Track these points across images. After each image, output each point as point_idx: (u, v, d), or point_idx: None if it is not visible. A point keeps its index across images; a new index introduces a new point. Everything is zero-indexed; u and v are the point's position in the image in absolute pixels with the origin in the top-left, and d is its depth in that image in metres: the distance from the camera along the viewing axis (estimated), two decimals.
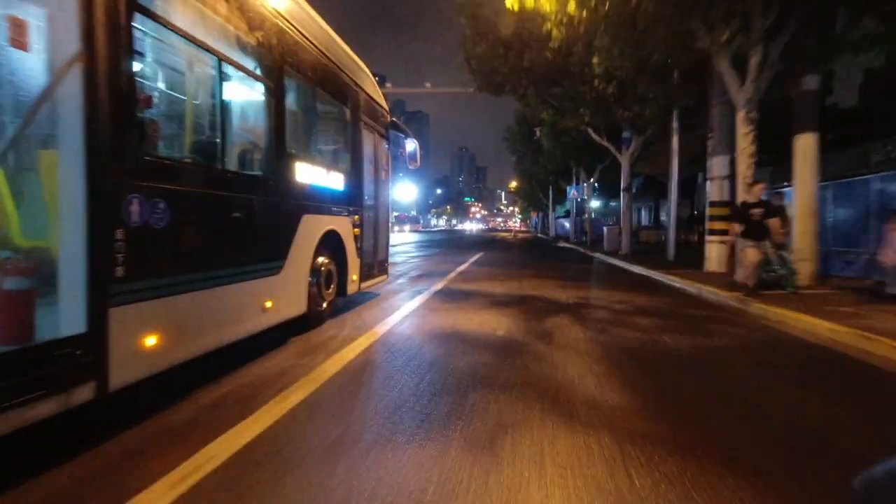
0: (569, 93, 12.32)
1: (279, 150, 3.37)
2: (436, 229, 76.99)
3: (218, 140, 2.77)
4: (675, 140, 11.59)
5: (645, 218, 40.51)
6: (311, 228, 3.85)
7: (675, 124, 11.54)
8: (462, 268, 10.42)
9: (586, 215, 27.63)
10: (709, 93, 8.76)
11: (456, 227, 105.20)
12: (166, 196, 2.21)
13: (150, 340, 2.13)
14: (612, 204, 38.80)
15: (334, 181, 4.35)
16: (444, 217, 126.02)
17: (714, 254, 8.59)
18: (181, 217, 2.34)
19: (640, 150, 13.69)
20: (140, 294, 2.07)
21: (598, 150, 17.63)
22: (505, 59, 12.78)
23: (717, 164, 8.61)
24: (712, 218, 8.65)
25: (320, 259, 4.07)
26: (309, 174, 3.80)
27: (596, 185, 25.92)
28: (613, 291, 6.98)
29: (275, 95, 3.28)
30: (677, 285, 7.60)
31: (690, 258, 11.89)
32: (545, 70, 12.18)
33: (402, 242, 23.56)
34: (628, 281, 8.62)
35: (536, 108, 13.87)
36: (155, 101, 2.57)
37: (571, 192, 25.59)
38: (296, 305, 3.66)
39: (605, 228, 15.93)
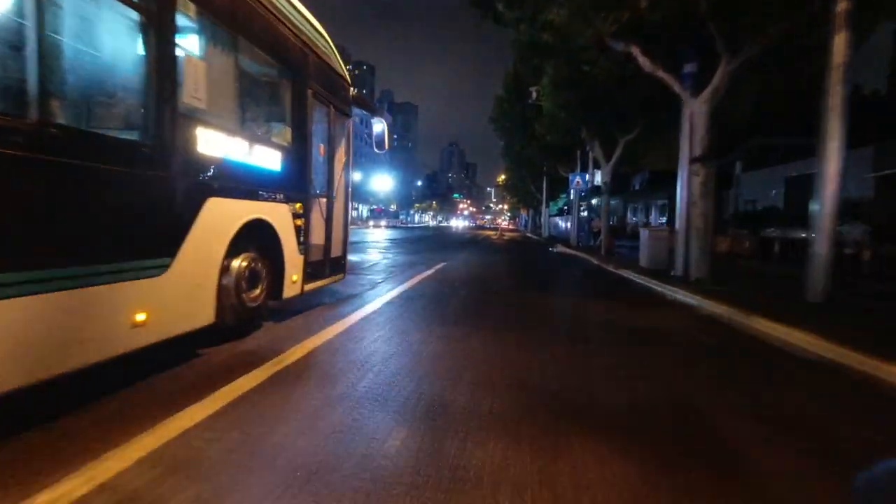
0: None
1: (165, 107, 2.45)
2: (417, 225, 70.37)
3: (36, 81, 1.80)
4: (838, 40, 5.32)
5: (654, 220, 34.64)
6: (223, 216, 2.97)
7: (842, 4, 5.27)
8: (366, 311, 4.06)
9: (584, 213, 21.31)
10: None
11: (441, 224, 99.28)
12: None
13: None
14: (611, 202, 32.47)
15: (265, 159, 3.46)
16: (431, 213, 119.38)
17: None
18: None
19: (720, 98, 7.30)
20: None
21: (626, 108, 11.32)
22: None
23: None
24: None
25: (240, 255, 3.22)
26: (219, 145, 2.90)
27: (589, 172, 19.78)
28: None
29: (160, 33, 2.40)
30: None
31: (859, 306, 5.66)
32: None
33: (356, 242, 17.01)
34: None
35: (539, 5, 7.51)
36: None
37: (575, 179, 19.26)
38: (195, 315, 2.77)
39: (644, 232, 9.64)
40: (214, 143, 2.85)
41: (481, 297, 5.99)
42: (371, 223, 56.77)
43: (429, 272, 8.38)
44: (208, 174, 2.81)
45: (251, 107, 3.65)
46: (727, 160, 19.40)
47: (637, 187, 39.15)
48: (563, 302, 5.91)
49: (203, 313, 2.84)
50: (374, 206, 69.20)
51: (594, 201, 20.93)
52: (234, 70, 3.21)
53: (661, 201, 32.78)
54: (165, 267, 2.47)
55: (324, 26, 4.51)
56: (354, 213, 63.23)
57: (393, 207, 77.27)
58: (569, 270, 10.40)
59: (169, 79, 2.47)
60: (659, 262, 9.25)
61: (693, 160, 7.23)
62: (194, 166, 2.70)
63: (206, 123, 2.78)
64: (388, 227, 50.77)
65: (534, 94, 16.00)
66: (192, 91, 2.68)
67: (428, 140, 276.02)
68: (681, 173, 8.37)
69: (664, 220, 32.31)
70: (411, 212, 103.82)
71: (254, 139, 3.37)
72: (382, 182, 70.44)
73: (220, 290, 2.99)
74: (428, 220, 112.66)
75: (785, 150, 17.67)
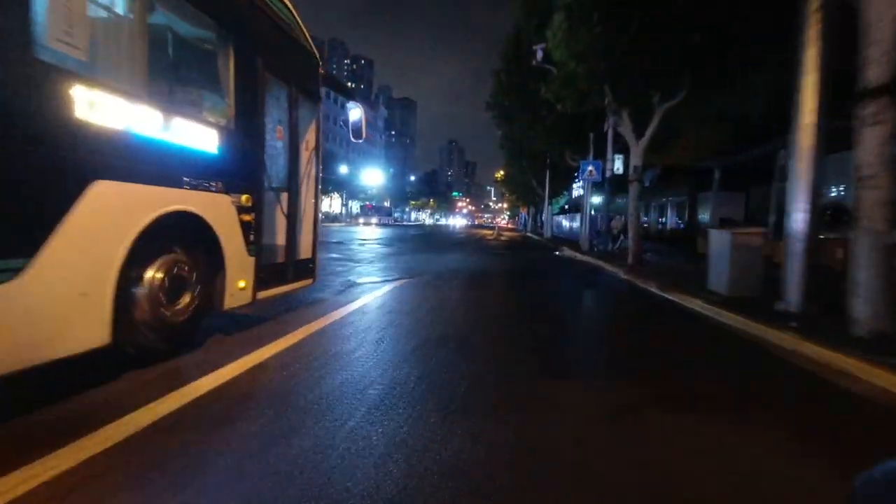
0: None
1: (8, 46, 1.79)
2: (411, 223, 66.74)
3: None
4: None
5: (670, 220, 31.02)
6: (122, 205, 2.28)
7: None
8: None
9: (591, 211, 17.58)
10: None
11: (438, 222, 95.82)
12: None
13: None
14: (617, 200, 28.32)
15: (193, 138, 2.76)
16: (428, 210, 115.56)
17: None
18: None
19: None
20: None
21: (681, 50, 7.66)
22: None
23: None
24: None
25: (158, 257, 2.57)
26: (111, 111, 2.17)
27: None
28: None
29: None
30: None
31: None
32: None
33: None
34: None
35: None
36: None
37: (587, 168, 15.66)
38: (75, 336, 2.05)
39: (722, 236, 6.00)
40: (102, 107, 2.11)
41: (421, 397, 2.35)
42: (361, 220, 53.10)
43: (367, 300, 4.85)
44: (92, 148, 2.08)
45: (171, 70, 3.07)
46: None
47: (647, 184, 35.40)
48: (623, 434, 2.27)
49: (90, 333, 2.12)
50: (366, 202, 65.47)
51: (596, 199, 17.25)
52: (138, 18, 2.47)
53: (679, 199, 29.06)
54: (14, 271, 1.81)
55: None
56: (343, 210, 59.58)
57: (386, 204, 73.52)
58: (592, 296, 6.78)
59: (16, 6, 1.80)
60: (745, 285, 5.64)
61: (872, 92, 3.58)
62: (67, 135, 1.97)
63: (88, 80, 2.07)
64: (378, 224, 47.17)
65: (539, 54, 12.36)
66: (62, 33, 1.96)
67: (427, 137, 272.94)
68: (798, 132, 4.80)
69: (676, 219, 28.81)
70: (407, 209, 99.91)
71: (173, 110, 2.61)
72: (374, 176, 66.65)
73: (123, 300, 2.29)
74: (425, 217, 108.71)
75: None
